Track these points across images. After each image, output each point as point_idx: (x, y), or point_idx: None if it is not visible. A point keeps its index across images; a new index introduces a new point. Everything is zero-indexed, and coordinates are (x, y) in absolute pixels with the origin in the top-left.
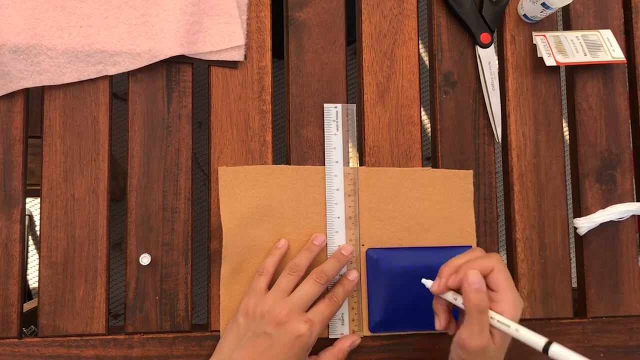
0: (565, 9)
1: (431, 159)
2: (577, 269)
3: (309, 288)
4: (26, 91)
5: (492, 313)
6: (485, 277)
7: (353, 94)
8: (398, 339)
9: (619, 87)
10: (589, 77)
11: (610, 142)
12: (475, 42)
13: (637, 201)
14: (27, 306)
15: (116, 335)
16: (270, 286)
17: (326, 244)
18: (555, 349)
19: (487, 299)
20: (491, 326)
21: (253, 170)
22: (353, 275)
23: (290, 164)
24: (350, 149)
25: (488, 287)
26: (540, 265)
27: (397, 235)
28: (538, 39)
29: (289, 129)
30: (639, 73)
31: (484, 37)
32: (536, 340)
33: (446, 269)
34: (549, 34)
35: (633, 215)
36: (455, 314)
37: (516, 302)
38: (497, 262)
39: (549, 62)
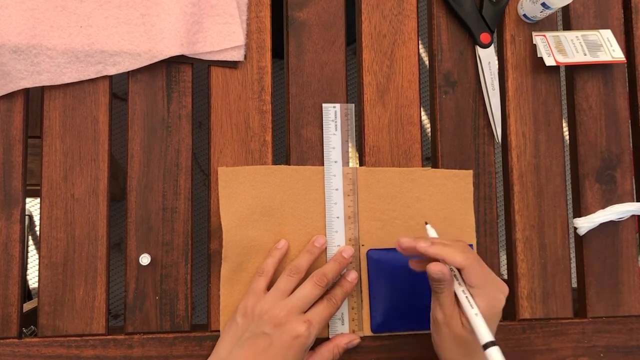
0: (565, 9)
1: (431, 159)
2: (577, 269)
3: (309, 290)
4: (26, 91)
5: (463, 297)
6: (459, 270)
7: (353, 94)
8: (398, 339)
9: (619, 87)
10: (589, 77)
11: (610, 142)
12: (475, 42)
13: (637, 201)
14: (27, 306)
15: (116, 335)
16: (269, 287)
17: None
18: (492, 351)
19: (444, 285)
20: (462, 308)
21: (253, 170)
22: (352, 276)
23: (290, 164)
24: (350, 149)
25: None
26: (540, 265)
27: (397, 236)
28: (538, 39)
29: (288, 129)
30: (639, 73)
31: (484, 37)
32: (484, 334)
33: (423, 245)
34: (548, 34)
35: (633, 215)
36: None
37: (491, 298)
38: (467, 262)
39: (549, 62)
